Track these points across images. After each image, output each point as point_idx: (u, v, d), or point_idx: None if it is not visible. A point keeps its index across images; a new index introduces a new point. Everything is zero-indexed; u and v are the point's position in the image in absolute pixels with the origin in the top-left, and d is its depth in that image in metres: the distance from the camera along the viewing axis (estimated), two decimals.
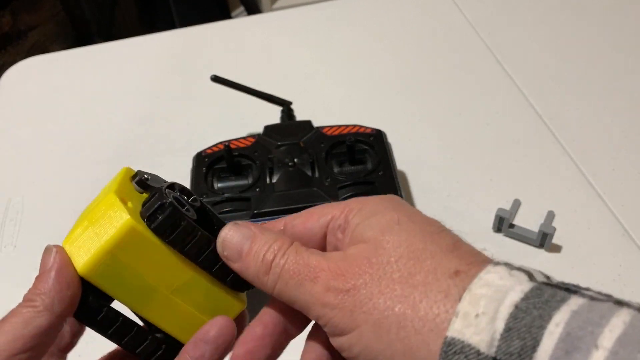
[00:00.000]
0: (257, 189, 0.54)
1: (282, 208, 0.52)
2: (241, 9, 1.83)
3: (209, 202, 0.53)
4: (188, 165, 0.58)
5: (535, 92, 0.72)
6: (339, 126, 0.59)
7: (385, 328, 0.23)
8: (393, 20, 0.87)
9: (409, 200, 0.60)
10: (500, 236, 0.56)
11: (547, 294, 0.21)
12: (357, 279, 0.25)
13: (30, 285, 0.28)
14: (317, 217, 0.29)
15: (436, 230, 0.26)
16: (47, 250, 0.28)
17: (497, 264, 0.24)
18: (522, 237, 0.55)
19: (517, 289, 0.22)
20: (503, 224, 0.55)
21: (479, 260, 0.24)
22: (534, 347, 0.20)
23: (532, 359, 0.20)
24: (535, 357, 0.20)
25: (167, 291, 0.29)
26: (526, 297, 0.21)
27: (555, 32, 0.81)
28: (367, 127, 0.59)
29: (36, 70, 0.85)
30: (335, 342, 0.26)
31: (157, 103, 0.77)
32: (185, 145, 0.67)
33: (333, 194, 0.53)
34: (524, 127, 0.68)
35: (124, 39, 0.90)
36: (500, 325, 0.21)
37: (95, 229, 0.27)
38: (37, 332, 0.27)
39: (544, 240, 0.54)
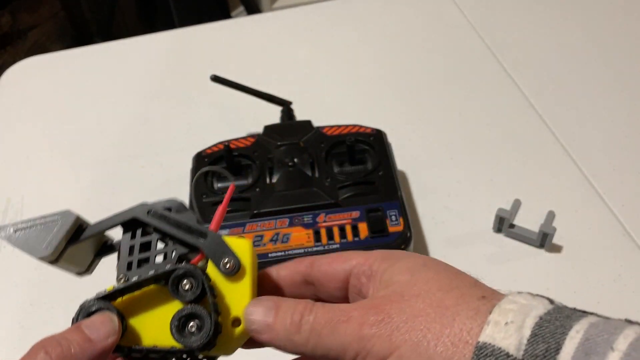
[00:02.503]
0: (257, 189, 0.54)
1: (282, 208, 0.52)
2: (241, 8, 1.83)
3: (208, 202, 0.53)
4: (188, 165, 0.58)
5: (535, 92, 0.72)
6: (339, 126, 0.59)
7: (425, 345, 0.25)
8: (393, 20, 0.87)
9: (409, 200, 0.60)
10: (500, 236, 0.56)
11: (567, 311, 0.25)
12: (390, 308, 0.26)
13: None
14: (342, 260, 0.31)
15: (458, 271, 0.29)
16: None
17: (520, 292, 0.26)
18: (523, 237, 0.55)
19: (540, 307, 0.25)
20: (503, 224, 0.55)
21: (501, 293, 0.27)
22: (557, 350, 0.23)
23: None
24: (558, 359, 0.22)
25: None
26: (549, 313, 0.24)
27: (555, 32, 0.81)
28: (367, 127, 0.59)
29: (36, 70, 0.85)
30: None
31: (157, 103, 0.77)
32: (185, 145, 0.67)
33: (333, 194, 0.53)
34: (524, 127, 0.68)
35: (124, 39, 0.90)
36: (526, 332, 0.24)
37: None
38: None
39: (544, 240, 0.54)
